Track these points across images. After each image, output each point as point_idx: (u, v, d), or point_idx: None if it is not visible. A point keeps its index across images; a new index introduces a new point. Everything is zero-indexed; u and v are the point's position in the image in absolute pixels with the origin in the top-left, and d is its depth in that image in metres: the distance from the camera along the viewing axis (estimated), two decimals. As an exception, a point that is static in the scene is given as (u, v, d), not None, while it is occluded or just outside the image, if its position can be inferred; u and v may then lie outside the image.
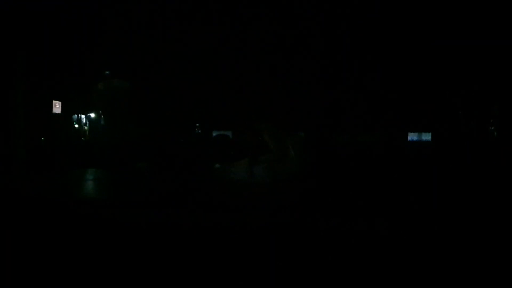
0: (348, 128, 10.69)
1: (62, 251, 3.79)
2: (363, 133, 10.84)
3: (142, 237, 3.94)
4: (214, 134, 11.33)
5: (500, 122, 10.62)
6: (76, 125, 12.97)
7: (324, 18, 9.59)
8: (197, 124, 11.59)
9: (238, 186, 6.55)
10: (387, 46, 9.78)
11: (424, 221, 4.32)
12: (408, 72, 9.92)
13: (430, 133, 10.98)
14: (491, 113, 10.93)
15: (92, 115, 12.88)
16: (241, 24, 9.42)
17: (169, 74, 10.71)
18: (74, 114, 12.90)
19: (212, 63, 9.66)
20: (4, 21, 9.10)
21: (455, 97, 10.33)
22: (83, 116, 12.98)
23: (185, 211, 4.51)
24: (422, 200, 5.37)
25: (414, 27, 9.52)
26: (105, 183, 8.38)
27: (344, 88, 9.91)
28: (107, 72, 12.29)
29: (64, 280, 3.24)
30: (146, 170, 10.39)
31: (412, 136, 10.98)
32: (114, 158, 10.96)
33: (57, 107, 12.43)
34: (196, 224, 4.18)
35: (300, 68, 9.78)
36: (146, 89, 11.66)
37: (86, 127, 13.06)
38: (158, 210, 4.57)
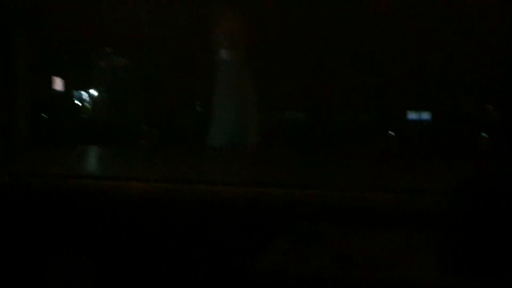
0: (347, 107, 10.73)
1: (63, 224, 3.87)
2: (361, 111, 10.88)
3: (140, 211, 4.02)
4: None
5: (500, 102, 10.64)
6: (78, 102, 13.00)
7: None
8: (198, 102, 11.58)
9: (234, 164, 6.61)
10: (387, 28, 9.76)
11: (424, 203, 4.36)
12: (407, 50, 9.92)
13: (430, 112, 11.03)
14: (491, 92, 10.95)
15: (94, 91, 12.92)
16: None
17: (170, 49, 10.72)
18: (75, 91, 12.92)
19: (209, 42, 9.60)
20: None
21: (456, 76, 10.34)
22: (84, 93, 13.00)
23: (184, 185, 4.59)
24: (421, 180, 5.42)
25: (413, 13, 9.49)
26: (107, 159, 8.46)
27: (342, 65, 9.92)
28: (108, 49, 12.29)
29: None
30: (147, 147, 10.47)
31: (411, 115, 11.03)
32: (116, 135, 11.05)
33: (58, 83, 12.43)
34: (194, 198, 4.25)
35: (297, 45, 9.77)
36: (147, 65, 11.69)
37: (87, 104, 13.11)
38: (156, 184, 4.64)
